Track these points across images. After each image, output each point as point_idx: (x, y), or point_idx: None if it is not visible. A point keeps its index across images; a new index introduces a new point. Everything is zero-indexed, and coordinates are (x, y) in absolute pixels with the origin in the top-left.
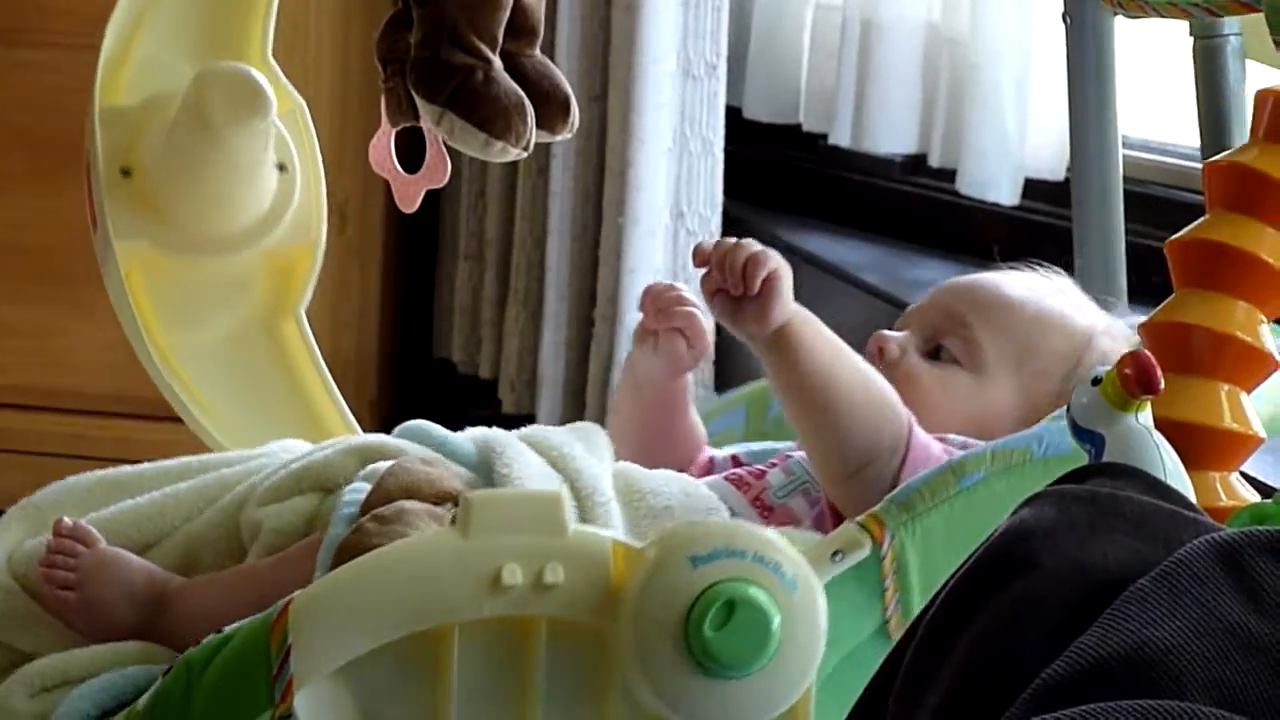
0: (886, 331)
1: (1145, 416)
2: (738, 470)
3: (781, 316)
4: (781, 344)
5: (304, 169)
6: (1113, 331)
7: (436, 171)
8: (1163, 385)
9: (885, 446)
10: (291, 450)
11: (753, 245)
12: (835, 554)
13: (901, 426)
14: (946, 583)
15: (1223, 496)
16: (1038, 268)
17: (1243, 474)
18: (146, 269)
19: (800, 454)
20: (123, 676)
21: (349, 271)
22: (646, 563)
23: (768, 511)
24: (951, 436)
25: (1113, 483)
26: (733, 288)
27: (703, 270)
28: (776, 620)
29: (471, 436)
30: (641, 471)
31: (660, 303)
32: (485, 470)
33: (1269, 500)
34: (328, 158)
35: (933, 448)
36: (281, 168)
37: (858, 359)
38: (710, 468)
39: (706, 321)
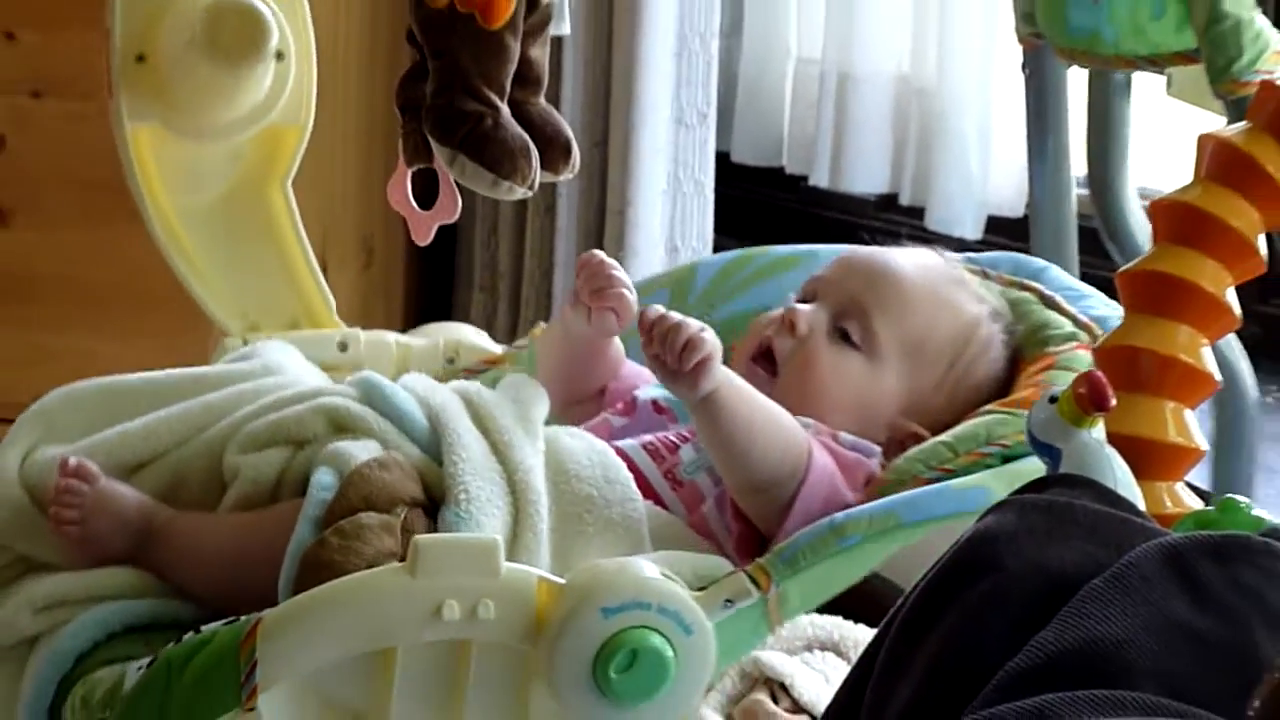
0: (799, 306)
1: (1098, 432)
2: (654, 440)
3: (708, 388)
4: (706, 408)
5: (299, 56)
6: (998, 315)
7: (448, 209)
8: (1114, 403)
9: (787, 474)
10: (275, 370)
11: (690, 327)
12: (727, 601)
13: (802, 457)
14: (918, 583)
15: (1169, 504)
16: (942, 252)
17: (1187, 483)
18: (155, 144)
19: None
20: (107, 612)
21: (374, 302)
22: (565, 604)
23: (678, 485)
24: (843, 435)
25: (1069, 492)
26: (670, 362)
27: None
28: (672, 662)
29: (424, 406)
30: (568, 449)
31: (595, 282)
32: (435, 449)
33: (1211, 507)
34: (355, 196)
35: (828, 467)
36: (279, 56)
37: (769, 408)
38: (631, 409)
39: (633, 297)
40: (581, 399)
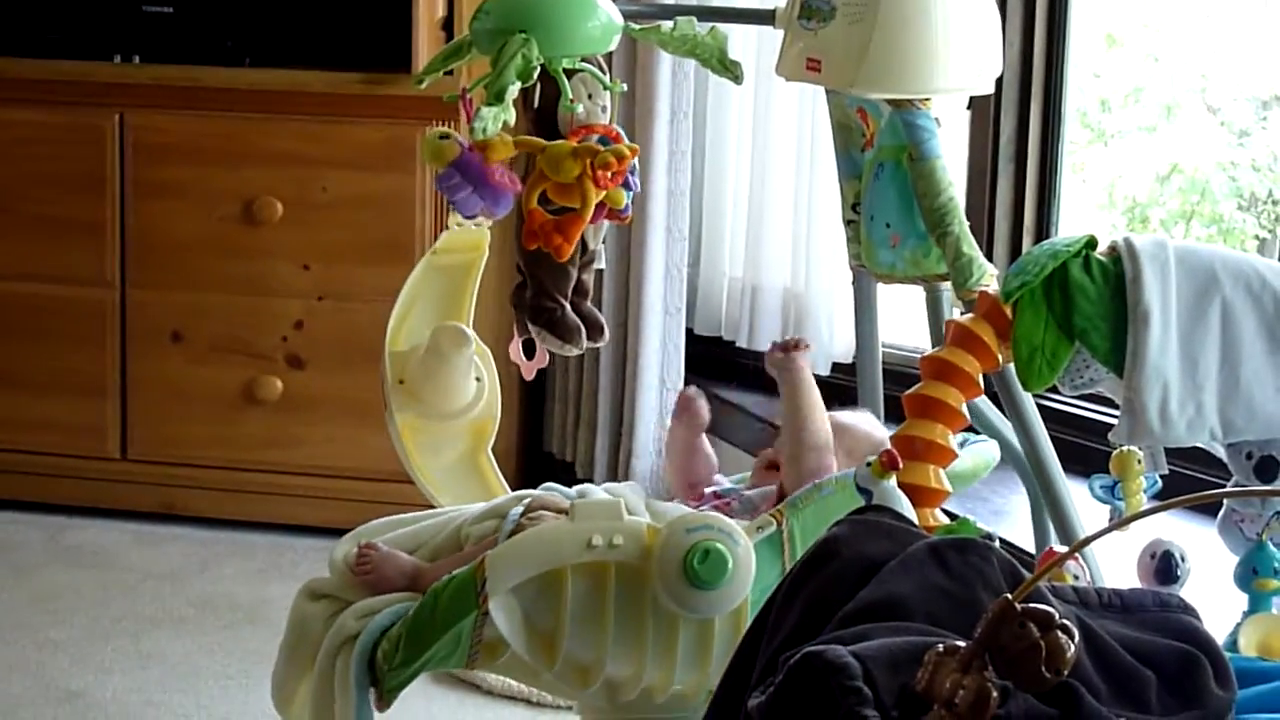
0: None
1: (893, 481)
2: (716, 502)
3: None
4: (792, 377)
5: (489, 380)
6: (883, 436)
7: (541, 361)
8: (901, 466)
9: (824, 443)
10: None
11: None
12: (759, 529)
13: (830, 437)
14: (793, 566)
15: (931, 521)
16: (855, 409)
17: (943, 510)
18: (411, 427)
19: (748, 493)
20: (400, 608)
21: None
22: (664, 533)
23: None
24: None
25: (877, 515)
26: (786, 345)
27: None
28: (731, 561)
29: (575, 490)
30: (662, 505)
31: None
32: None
33: (954, 521)
34: (500, 355)
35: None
36: (478, 379)
37: (821, 403)
38: (703, 498)
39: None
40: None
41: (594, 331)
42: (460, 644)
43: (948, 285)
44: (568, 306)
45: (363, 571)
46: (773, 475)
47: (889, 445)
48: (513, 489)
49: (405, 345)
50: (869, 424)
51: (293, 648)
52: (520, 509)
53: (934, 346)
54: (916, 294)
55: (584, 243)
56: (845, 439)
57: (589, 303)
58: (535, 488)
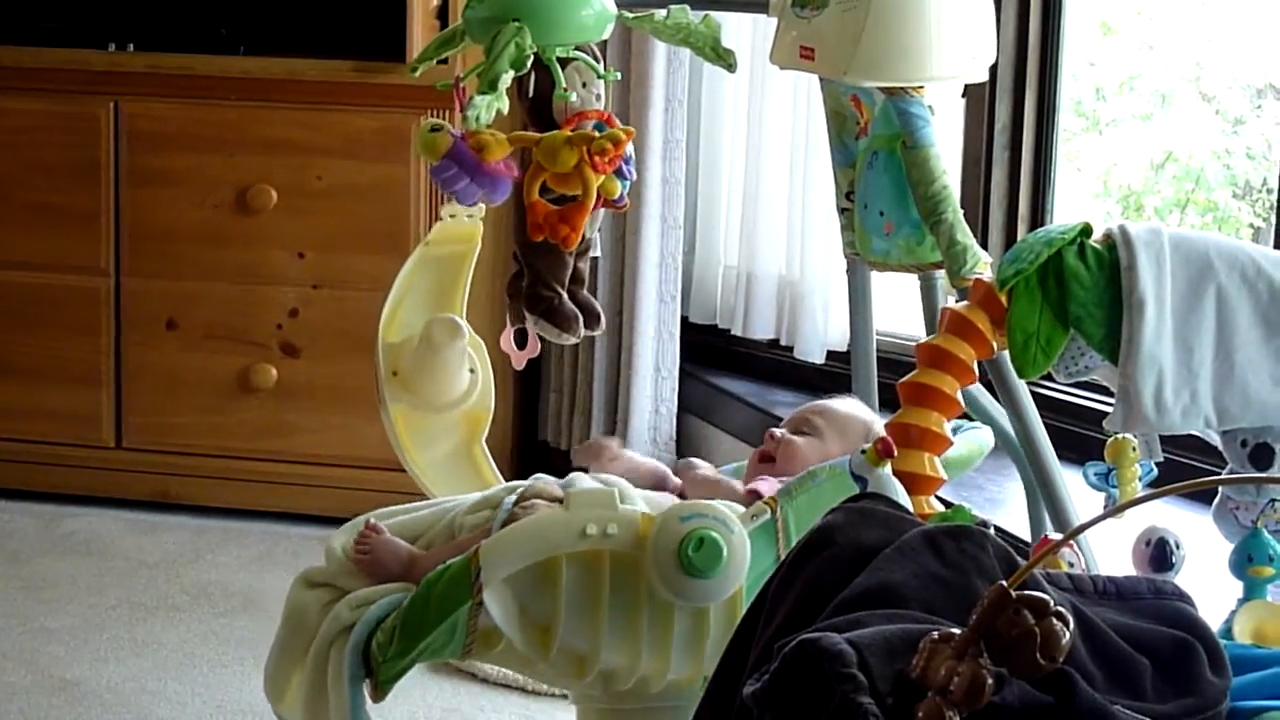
0: (773, 429)
1: (888, 469)
2: None
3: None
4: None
5: (482, 372)
6: (876, 424)
7: (532, 350)
8: (896, 454)
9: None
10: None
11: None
12: (754, 517)
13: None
14: (789, 553)
15: (925, 508)
16: (847, 396)
17: (937, 497)
18: (405, 419)
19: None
20: (394, 599)
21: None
22: (658, 521)
23: None
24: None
25: (872, 502)
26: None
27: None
28: (725, 549)
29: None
30: (656, 494)
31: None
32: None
33: (950, 509)
34: (490, 345)
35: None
36: (471, 370)
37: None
38: (674, 487)
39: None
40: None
41: (591, 320)
42: (456, 634)
43: (941, 273)
44: (565, 295)
45: (360, 552)
46: (766, 468)
47: (880, 430)
48: (507, 477)
49: (398, 337)
50: (858, 410)
51: (287, 637)
52: (513, 498)
53: (928, 334)
54: (910, 282)
55: None
56: (837, 426)
57: (585, 291)
58: (527, 477)
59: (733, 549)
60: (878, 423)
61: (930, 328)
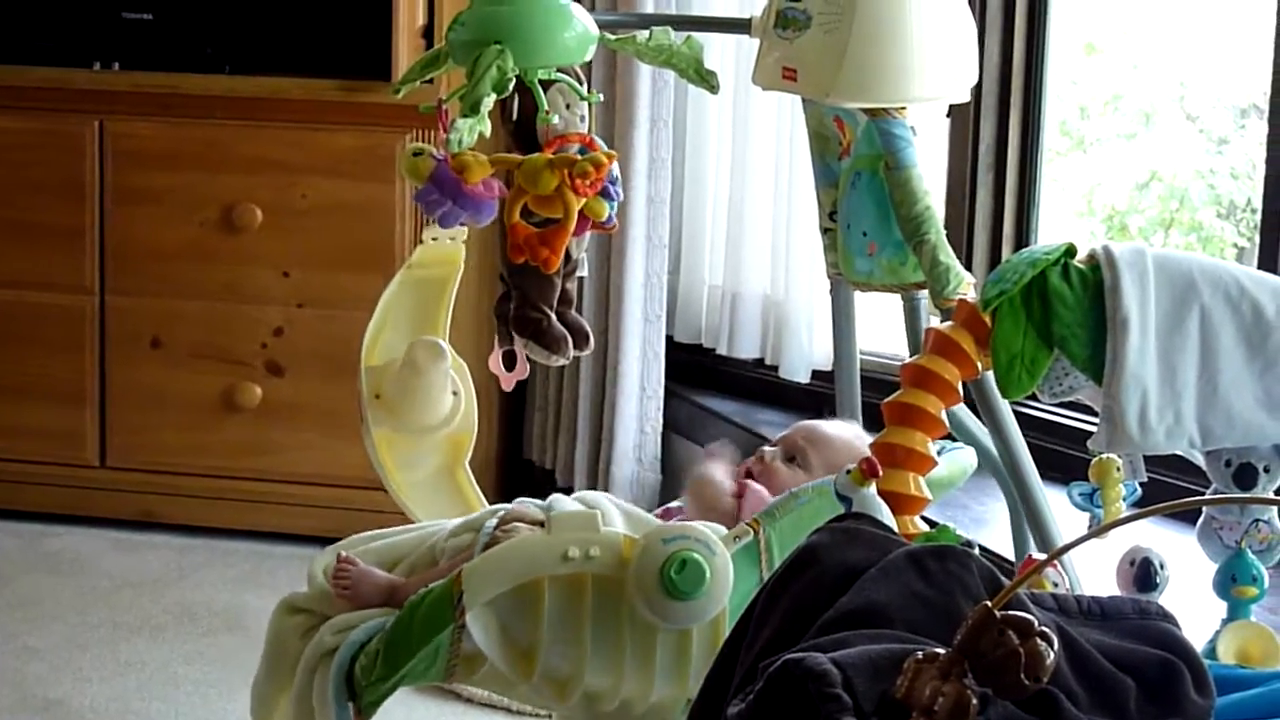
0: (765, 447)
1: (872, 489)
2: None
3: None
4: None
5: (465, 394)
6: (861, 446)
7: (521, 372)
8: (881, 474)
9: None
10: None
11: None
12: (736, 539)
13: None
14: (774, 572)
15: (910, 528)
16: (831, 418)
17: (922, 517)
18: (388, 442)
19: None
20: (376, 623)
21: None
22: (641, 544)
23: None
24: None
25: (856, 522)
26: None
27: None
28: (708, 571)
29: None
30: (638, 511)
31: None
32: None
33: (934, 529)
34: (478, 367)
35: (764, 496)
36: (455, 393)
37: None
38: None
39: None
40: None
41: (579, 340)
42: (438, 657)
43: (924, 293)
44: (554, 317)
45: (340, 587)
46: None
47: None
48: (492, 496)
49: (381, 360)
50: (852, 434)
51: (272, 662)
52: (494, 521)
53: (911, 354)
54: (894, 302)
55: (567, 252)
56: (826, 460)
57: (573, 311)
58: (513, 497)
59: (715, 571)
60: (864, 446)
61: (914, 348)
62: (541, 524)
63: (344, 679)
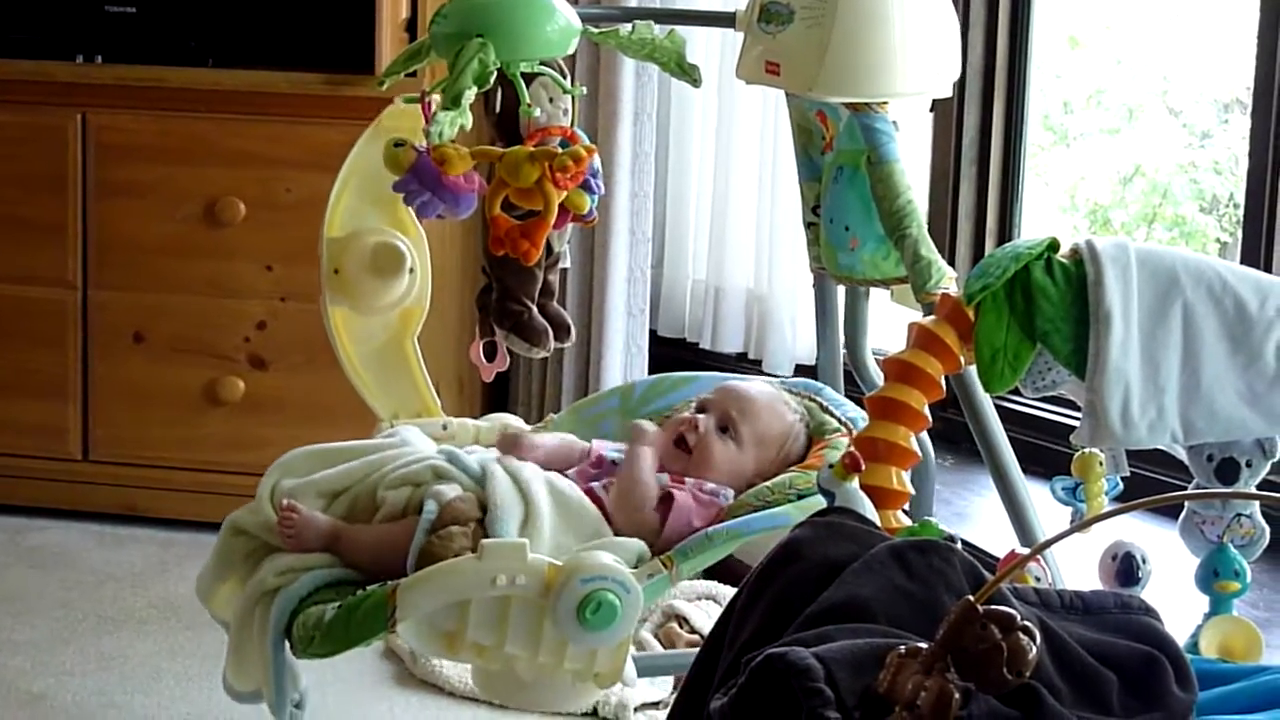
0: (698, 415)
1: (855, 483)
2: (594, 486)
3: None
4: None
5: (421, 270)
6: (802, 418)
7: (501, 364)
8: (864, 468)
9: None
10: (407, 442)
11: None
12: (649, 575)
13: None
14: (755, 567)
15: (893, 523)
16: (766, 384)
17: (904, 511)
18: (344, 318)
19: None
20: (317, 575)
21: (463, 408)
22: (562, 576)
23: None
24: (705, 485)
25: (839, 516)
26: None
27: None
28: (620, 608)
29: (480, 464)
30: (562, 486)
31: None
32: (482, 482)
33: (916, 523)
34: (453, 354)
35: (688, 504)
36: (412, 270)
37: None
38: (600, 464)
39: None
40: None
41: (560, 332)
42: (373, 643)
43: (906, 288)
44: (535, 310)
45: (285, 534)
46: (681, 459)
47: (799, 430)
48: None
49: (341, 230)
50: (780, 414)
51: (216, 566)
52: (434, 509)
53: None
54: (877, 295)
55: (549, 244)
56: (757, 436)
57: (555, 303)
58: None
59: (626, 607)
60: (796, 424)
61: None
62: (478, 521)
63: (283, 630)
